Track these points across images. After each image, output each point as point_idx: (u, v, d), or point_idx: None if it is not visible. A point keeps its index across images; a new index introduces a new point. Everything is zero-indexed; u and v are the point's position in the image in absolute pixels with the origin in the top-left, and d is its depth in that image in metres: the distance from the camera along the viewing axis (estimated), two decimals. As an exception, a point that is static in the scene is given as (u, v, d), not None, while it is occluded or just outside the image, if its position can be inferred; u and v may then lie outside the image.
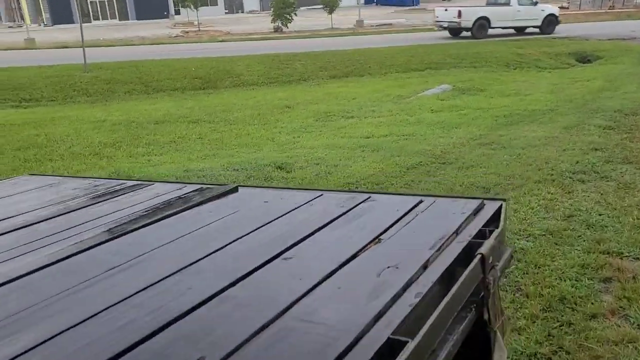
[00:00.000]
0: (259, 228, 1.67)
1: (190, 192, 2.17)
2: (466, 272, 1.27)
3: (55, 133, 9.15)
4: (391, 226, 1.59)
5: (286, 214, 1.79)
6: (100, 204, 2.11)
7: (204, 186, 2.25)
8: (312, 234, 1.58)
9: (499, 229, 1.53)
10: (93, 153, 7.76)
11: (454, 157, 6.27)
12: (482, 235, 1.51)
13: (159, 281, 1.29)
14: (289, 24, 28.53)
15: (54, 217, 1.97)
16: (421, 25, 28.41)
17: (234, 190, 2.14)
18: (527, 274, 3.35)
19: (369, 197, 1.90)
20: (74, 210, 2.02)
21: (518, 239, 3.86)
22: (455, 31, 21.82)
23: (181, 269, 1.35)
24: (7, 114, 11.59)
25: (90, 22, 41.10)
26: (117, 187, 2.35)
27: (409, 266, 1.30)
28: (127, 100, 12.96)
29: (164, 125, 9.67)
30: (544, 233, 3.95)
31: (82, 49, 14.86)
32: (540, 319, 2.88)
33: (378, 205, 1.82)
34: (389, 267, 1.30)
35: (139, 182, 2.41)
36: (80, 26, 15.16)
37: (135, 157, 7.41)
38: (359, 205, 1.82)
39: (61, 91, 13.44)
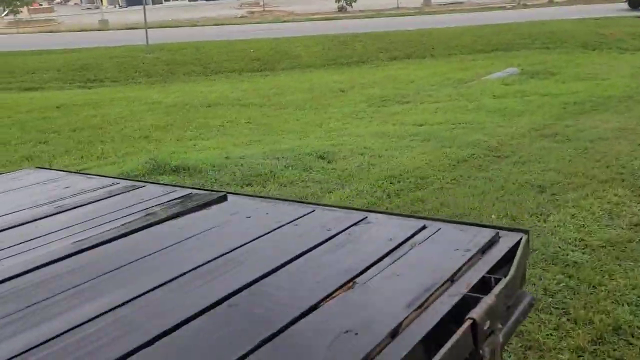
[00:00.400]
0: (223, 255, 1.42)
1: (177, 198, 1.97)
2: (447, 345, 0.96)
3: (111, 114, 9.33)
4: (375, 264, 1.29)
5: (262, 236, 1.53)
6: (80, 208, 1.96)
7: (194, 192, 2.04)
8: (279, 268, 1.31)
9: (509, 277, 1.19)
10: (143, 136, 7.81)
11: (510, 150, 5.75)
12: (484, 285, 1.19)
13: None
14: (353, 4, 27.91)
15: (26, 223, 1.84)
16: (492, 4, 26.96)
17: (222, 199, 1.91)
18: (577, 294, 2.93)
19: (364, 218, 1.61)
20: (50, 216, 1.89)
21: (572, 251, 3.40)
22: (636, 3, 20.48)
23: (99, 315, 1.12)
24: (73, 94, 11.99)
25: (161, 3, 42.20)
26: (108, 188, 2.19)
27: (373, 332, 1.01)
28: (185, 81, 13.08)
29: (216, 108, 9.63)
30: (604, 244, 3.47)
31: (149, 29, 15.12)
32: (589, 352, 2.47)
33: (370, 230, 1.52)
34: (347, 331, 1.02)
35: (132, 184, 2.24)
36: (144, 7, 15.41)
37: (182, 141, 7.37)
38: (349, 230, 1.53)
39: (124, 72, 13.77)
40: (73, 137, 7.81)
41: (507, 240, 1.38)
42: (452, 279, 1.18)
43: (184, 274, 1.31)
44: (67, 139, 7.72)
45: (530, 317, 2.73)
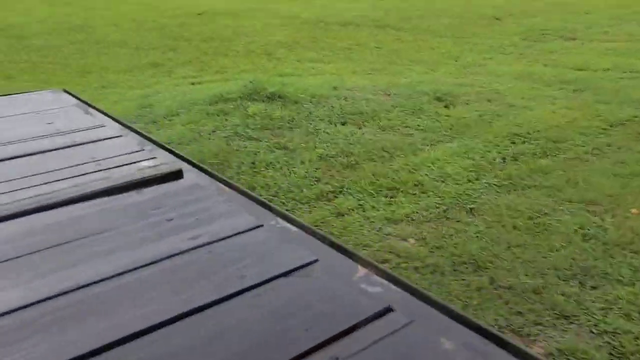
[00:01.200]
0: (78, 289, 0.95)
1: (126, 164, 1.52)
2: None
3: (244, 26, 9.14)
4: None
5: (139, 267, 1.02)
6: (31, 157, 1.62)
7: (158, 155, 1.57)
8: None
9: None
10: (266, 52, 7.50)
11: (691, 118, 4.39)
12: None
13: None
14: None
15: None
16: None
17: (175, 176, 1.42)
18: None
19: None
20: None
21: None
22: None
23: None
24: (223, 1, 12.00)
25: None
26: (89, 132, 1.84)
27: None
28: (331, -5, 12.39)
29: (349, 28, 8.94)
30: None
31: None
32: None
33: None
34: None
35: (118, 130, 1.84)
36: None
37: (302, 63, 6.92)
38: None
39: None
40: (200, 48, 7.77)
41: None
42: None
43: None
44: (195, 49, 7.70)
45: None
